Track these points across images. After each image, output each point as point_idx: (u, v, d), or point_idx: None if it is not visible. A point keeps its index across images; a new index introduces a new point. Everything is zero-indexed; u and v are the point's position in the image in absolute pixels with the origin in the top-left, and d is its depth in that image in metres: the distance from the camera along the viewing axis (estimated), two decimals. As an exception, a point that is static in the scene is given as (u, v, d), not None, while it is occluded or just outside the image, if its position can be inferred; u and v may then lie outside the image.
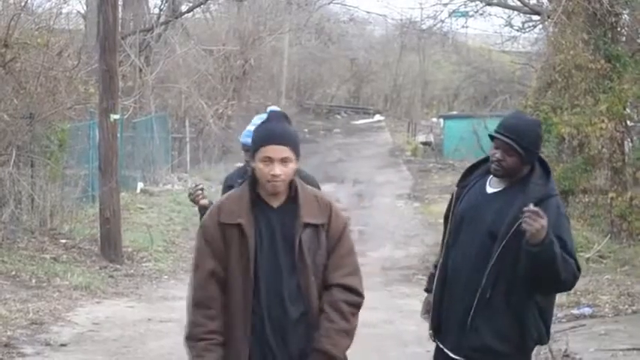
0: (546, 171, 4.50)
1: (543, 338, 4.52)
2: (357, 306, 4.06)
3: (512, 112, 4.57)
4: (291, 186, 4.06)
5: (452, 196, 4.73)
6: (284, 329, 3.99)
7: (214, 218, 4.06)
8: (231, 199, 4.11)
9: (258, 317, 3.99)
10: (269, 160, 3.96)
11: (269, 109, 5.74)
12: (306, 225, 4.01)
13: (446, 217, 4.77)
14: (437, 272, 4.68)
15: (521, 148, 4.38)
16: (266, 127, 4.06)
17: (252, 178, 4.08)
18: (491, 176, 4.57)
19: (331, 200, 4.18)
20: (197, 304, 4.03)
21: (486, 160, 4.63)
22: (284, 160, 3.97)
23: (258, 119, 5.78)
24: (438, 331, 4.66)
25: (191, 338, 4.03)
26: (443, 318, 4.58)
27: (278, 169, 3.95)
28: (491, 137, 4.51)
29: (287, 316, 3.99)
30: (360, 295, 4.07)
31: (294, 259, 3.99)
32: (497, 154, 4.44)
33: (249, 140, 5.67)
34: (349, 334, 4.03)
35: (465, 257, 4.49)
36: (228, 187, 5.78)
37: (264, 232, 4.02)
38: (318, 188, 5.49)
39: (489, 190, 4.55)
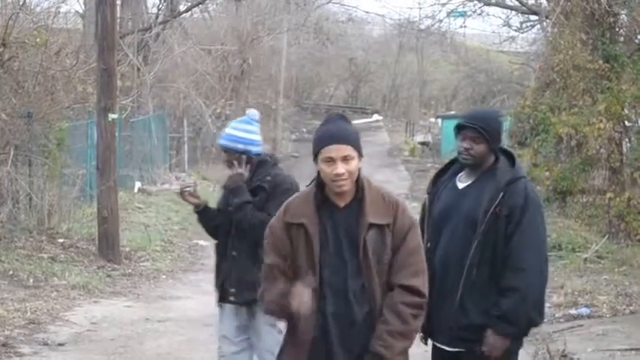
0: (510, 157, 4.73)
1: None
2: (419, 307, 4.02)
3: (481, 106, 4.89)
4: (358, 185, 4.06)
5: (423, 205, 4.88)
6: (348, 329, 3.99)
7: (281, 218, 4.10)
8: (298, 199, 4.15)
9: (323, 316, 3.99)
10: (331, 160, 3.97)
11: (248, 112, 5.81)
12: (371, 225, 4.00)
13: (420, 223, 4.81)
14: None
15: (487, 134, 4.59)
16: (324, 128, 4.08)
17: (318, 181, 4.08)
18: (460, 175, 4.75)
19: (398, 199, 4.16)
20: (267, 284, 4.10)
21: (451, 163, 4.86)
22: (346, 159, 3.98)
23: (235, 122, 5.81)
24: (428, 331, 4.72)
25: (265, 296, 4.12)
26: (434, 318, 4.62)
27: (341, 168, 3.96)
28: (457, 129, 4.71)
29: (352, 316, 3.99)
30: (422, 295, 4.03)
31: (359, 259, 3.99)
32: (465, 144, 4.65)
33: (224, 142, 5.73)
34: (406, 335, 3.99)
35: (450, 254, 4.62)
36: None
37: (329, 232, 4.03)
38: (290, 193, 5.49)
39: (460, 185, 4.72)
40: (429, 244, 4.70)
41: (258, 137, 5.74)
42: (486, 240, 4.51)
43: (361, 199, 4.04)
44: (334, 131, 4.03)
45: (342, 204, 4.06)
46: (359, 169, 4.05)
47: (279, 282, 4.04)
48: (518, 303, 4.46)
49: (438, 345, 4.71)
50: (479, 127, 4.59)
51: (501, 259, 4.51)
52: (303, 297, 3.92)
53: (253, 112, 5.84)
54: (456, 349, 4.61)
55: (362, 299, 3.99)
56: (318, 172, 4.07)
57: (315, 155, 4.04)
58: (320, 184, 4.07)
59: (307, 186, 4.19)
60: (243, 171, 5.66)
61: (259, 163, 5.71)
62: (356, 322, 3.98)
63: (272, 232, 4.12)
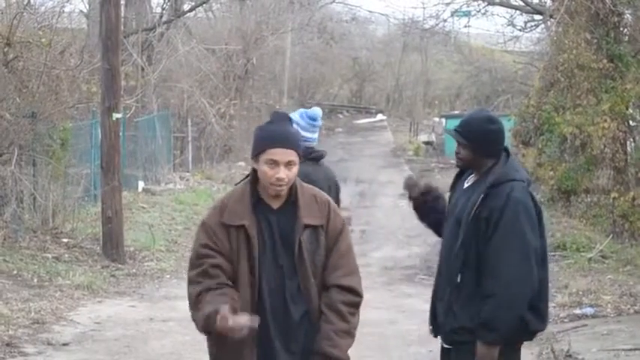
0: (510, 160, 4.68)
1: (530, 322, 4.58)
2: (356, 305, 4.07)
3: (476, 109, 4.86)
4: (291, 187, 4.05)
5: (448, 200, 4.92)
6: (287, 330, 4.01)
7: (217, 218, 4.05)
8: (233, 199, 4.10)
9: (263, 317, 3.99)
10: (274, 163, 3.95)
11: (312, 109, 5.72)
12: (306, 226, 4.02)
13: None
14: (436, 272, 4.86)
15: (467, 140, 4.59)
16: (271, 128, 4.03)
17: (253, 178, 4.07)
18: (470, 174, 4.75)
19: (329, 199, 4.18)
20: (206, 289, 3.98)
21: None
22: (289, 164, 3.96)
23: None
24: (434, 329, 4.76)
25: (193, 307, 4.02)
26: (435, 311, 4.70)
27: (283, 173, 3.95)
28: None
29: (290, 316, 4.01)
30: (359, 294, 4.08)
31: (295, 260, 4.00)
32: (456, 148, 4.71)
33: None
34: (350, 333, 4.04)
35: (444, 249, 4.68)
36: None
37: (265, 233, 4.03)
38: (336, 185, 5.53)
39: (465, 185, 4.75)
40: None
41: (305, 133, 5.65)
42: (469, 243, 4.47)
43: (295, 201, 4.04)
44: (281, 134, 3.99)
45: (275, 205, 4.05)
46: None
47: (215, 296, 3.94)
48: (494, 309, 4.37)
49: (440, 341, 4.75)
50: (458, 135, 4.62)
51: (484, 264, 4.46)
52: (235, 324, 3.82)
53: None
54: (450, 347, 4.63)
55: (299, 299, 4.02)
56: (253, 170, 4.05)
57: (257, 154, 3.99)
58: (253, 183, 4.05)
59: (236, 184, 4.18)
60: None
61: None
62: (294, 322, 4.01)
63: (208, 230, 4.04)
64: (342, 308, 4.00)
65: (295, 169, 3.99)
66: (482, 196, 4.46)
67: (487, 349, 4.42)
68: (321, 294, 4.04)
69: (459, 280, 4.49)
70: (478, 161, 4.62)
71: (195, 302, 4.03)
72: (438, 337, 4.75)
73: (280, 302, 4.01)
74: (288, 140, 3.98)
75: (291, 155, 3.96)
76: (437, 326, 4.70)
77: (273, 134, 3.99)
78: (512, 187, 4.48)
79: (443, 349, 4.69)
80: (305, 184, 4.17)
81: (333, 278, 4.03)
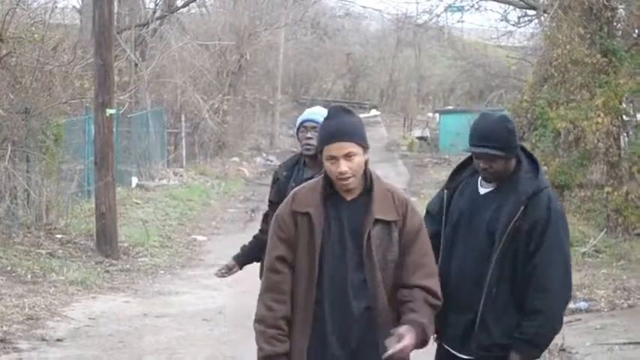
0: (533, 163, 4.48)
1: None
2: (436, 307, 4.04)
3: (479, 117, 4.54)
4: (366, 179, 4.03)
5: (441, 199, 4.66)
6: (344, 323, 3.97)
7: (288, 206, 4.07)
8: (306, 189, 4.12)
9: (321, 308, 3.97)
10: (333, 158, 3.94)
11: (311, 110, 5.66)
12: (377, 221, 3.97)
13: (429, 212, 4.71)
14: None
15: (501, 151, 4.34)
16: (326, 124, 4.04)
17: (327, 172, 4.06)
18: (471, 173, 4.57)
19: (407, 198, 4.13)
20: (267, 287, 4.05)
21: (472, 158, 4.58)
22: (348, 155, 3.93)
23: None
24: (439, 335, 4.60)
25: (262, 322, 4.02)
26: (449, 321, 4.51)
27: (344, 166, 3.93)
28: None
29: (349, 311, 3.96)
30: (440, 299, 4.04)
31: (362, 253, 3.96)
32: (482, 164, 4.40)
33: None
34: (431, 319, 4.01)
35: (467, 259, 4.45)
36: (274, 182, 5.69)
37: (333, 224, 4.00)
38: None
39: (482, 190, 4.50)
40: (446, 243, 4.56)
41: None
42: (506, 257, 4.31)
43: (369, 194, 4.01)
44: (335, 128, 3.98)
45: (349, 197, 4.03)
46: (366, 162, 4.01)
47: (281, 296, 4.01)
48: (542, 325, 4.31)
49: (449, 349, 4.59)
50: (490, 149, 4.33)
51: (523, 277, 4.32)
52: None
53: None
54: (467, 357, 4.53)
55: (361, 294, 3.96)
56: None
57: (320, 152, 4.02)
58: (328, 176, 4.04)
59: (285, 177, 4.18)
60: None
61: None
62: (353, 317, 3.95)
63: (279, 219, 4.09)
64: (429, 300, 3.99)
65: (358, 159, 3.95)
66: (522, 209, 4.29)
67: None
68: (387, 292, 3.98)
69: (494, 294, 4.34)
70: (509, 167, 4.41)
71: (259, 296, 4.11)
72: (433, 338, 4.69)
73: (341, 295, 3.96)
74: (341, 133, 3.95)
75: (349, 147, 3.93)
76: (445, 336, 4.57)
77: (327, 130, 4.00)
78: (548, 196, 4.34)
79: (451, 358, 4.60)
80: (384, 181, 4.13)
81: (415, 278, 3.98)
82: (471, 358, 4.50)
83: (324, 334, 3.97)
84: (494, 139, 4.33)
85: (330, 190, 4.03)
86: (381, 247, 3.97)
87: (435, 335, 4.59)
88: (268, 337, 3.98)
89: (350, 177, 3.94)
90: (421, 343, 3.96)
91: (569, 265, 4.41)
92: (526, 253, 4.31)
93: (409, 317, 3.93)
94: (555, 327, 4.41)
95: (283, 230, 4.04)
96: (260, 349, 4.02)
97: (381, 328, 3.95)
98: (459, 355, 4.53)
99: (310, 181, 4.21)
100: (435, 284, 4.03)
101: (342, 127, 3.98)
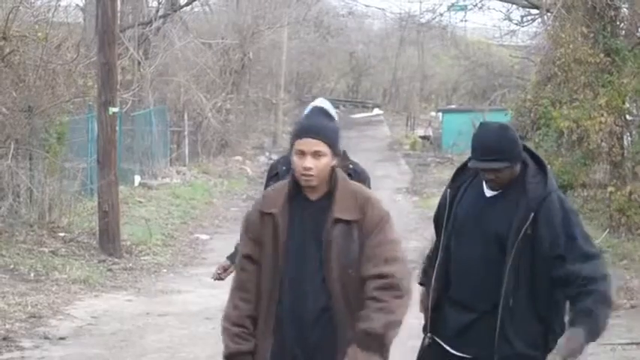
0: (540, 164, 4.44)
1: (565, 329, 4.41)
2: (392, 287, 3.95)
3: (478, 129, 4.47)
4: (331, 180, 4.06)
5: (443, 198, 4.64)
6: (303, 323, 4.00)
7: (257, 206, 4.15)
8: (274, 189, 4.20)
9: (282, 308, 4.02)
10: (302, 153, 3.99)
11: (315, 102, 5.63)
12: (338, 220, 4.00)
13: (436, 219, 4.70)
14: (434, 275, 4.59)
15: (506, 162, 4.31)
16: (303, 121, 4.15)
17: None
18: (473, 174, 4.52)
19: (371, 194, 4.16)
20: (236, 286, 4.13)
21: None
22: (316, 154, 3.98)
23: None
24: (434, 331, 4.59)
25: (228, 320, 4.08)
26: (447, 319, 4.52)
27: (309, 162, 3.97)
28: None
29: (307, 310, 4.00)
30: (389, 276, 3.94)
31: (322, 253, 4.00)
32: (487, 175, 4.38)
33: None
34: (385, 311, 3.94)
35: (471, 259, 4.41)
36: (273, 175, 5.68)
37: (296, 224, 4.04)
38: (368, 184, 5.48)
39: (488, 193, 4.46)
40: (447, 244, 4.53)
41: None
42: (520, 265, 4.26)
43: (332, 195, 4.04)
44: (311, 125, 4.07)
45: (313, 197, 4.07)
46: (332, 167, 4.04)
47: (247, 295, 4.07)
48: (597, 300, 4.16)
49: (443, 345, 4.56)
50: (495, 163, 4.29)
51: (549, 283, 4.25)
52: None
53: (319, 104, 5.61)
54: (462, 354, 4.50)
55: (320, 294, 3.99)
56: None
57: (291, 147, 4.07)
58: (294, 175, 4.09)
59: (284, 171, 4.22)
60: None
61: None
62: (311, 317, 3.99)
63: (248, 219, 4.16)
64: (376, 294, 3.94)
65: (325, 161, 3.99)
66: (532, 215, 4.24)
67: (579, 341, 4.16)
68: (348, 292, 3.99)
69: (511, 303, 4.28)
70: (515, 173, 4.37)
71: (229, 295, 4.16)
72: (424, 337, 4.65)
73: (300, 295, 4.00)
74: (315, 131, 4.02)
75: (318, 145, 3.99)
76: (440, 333, 4.55)
77: (302, 126, 4.09)
78: (559, 198, 4.31)
79: (446, 355, 4.56)
80: (351, 181, 4.20)
81: (364, 270, 3.98)
82: (465, 356, 4.49)
83: (284, 334, 4.02)
84: (497, 151, 4.30)
85: (296, 190, 4.08)
86: (341, 246, 3.99)
87: (429, 334, 4.59)
88: (232, 334, 4.04)
89: (313, 175, 3.98)
90: (380, 351, 4.00)
91: (600, 253, 4.37)
92: (551, 259, 4.24)
93: (359, 327, 3.93)
94: (611, 306, 4.28)
95: (250, 230, 4.12)
96: (225, 346, 4.08)
97: (340, 328, 3.99)
98: (453, 351, 4.52)
99: (280, 182, 4.28)
100: (392, 268, 3.97)
101: (317, 125, 4.07)
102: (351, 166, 5.58)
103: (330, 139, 4.04)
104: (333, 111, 5.24)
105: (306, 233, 4.03)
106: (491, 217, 4.38)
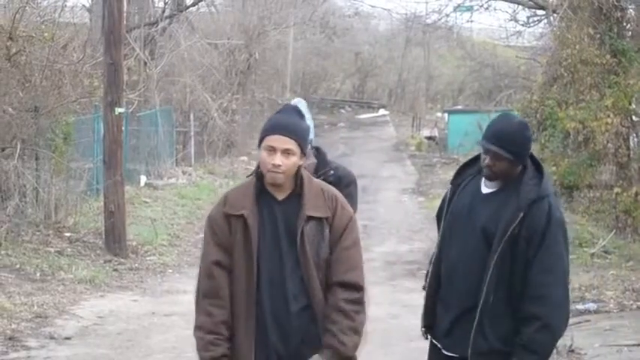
0: (539, 170, 4.46)
1: None
2: (358, 302, 4.04)
3: (500, 115, 4.53)
4: (297, 179, 4.06)
5: (445, 195, 4.70)
6: (285, 322, 4.00)
7: (220, 209, 4.09)
8: (237, 190, 4.16)
9: (262, 310, 4.00)
10: (272, 149, 3.98)
11: (292, 101, 5.60)
12: (310, 218, 4.01)
13: (438, 216, 4.75)
14: (430, 270, 4.65)
15: (509, 154, 4.34)
16: (275, 117, 4.11)
17: (259, 169, 4.09)
18: (476, 171, 4.56)
19: (337, 193, 4.17)
20: (205, 293, 4.07)
21: (479, 157, 4.56)
22: (286, 152, 3.98)
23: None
24: (430, 328, 4.64)
25: (201, 329, 4.05)
26: (438, 316, 4.55)
27: (279, 160, 3.96)
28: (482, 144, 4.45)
29: (288, 309, 4.00)
30: (360, 289, 4.04)
31: (297, 252, 3.99)
32: (487, 160, 4.40)
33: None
34: (356, 330, 4.02)
35: (459, 257, 4.45)
36: None
37: (267, 224, 4.03)
38: (354, 187, 5.46)
39: (484, 190, 4.50)
40: (442, 238, 4.59)
41: None
42: (504, 262, 4.29)
43: (300, 193, 4.04)
44: (283, 122, 4.05)
45: (280, 197, 4.06)
46: (298, 167, 4.04)
47: (220, 302, 4.03)
48: (537, 331, 4.25)
49: (437, 344, 4.61)
50: (500, 149, 4.33)
51: (521, 283, 4.30)
52: None
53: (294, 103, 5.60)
54: (451, 354, 4.52)
55: (300, 293, 4.00)
56: (259, 163, 4.08)
57: (260, 142, 4.05)
58: (260, 175, 4.07)
59: (247, 177, 4.21)
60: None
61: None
62: (292, 316, 3.99)
63: (212, 223, 4.10)
64: (345, 307, 3.98)
65: (294, 159, 3.99)
66: (521, 215, 4.27)
67: None
68: (324, 289, 4.02)
69: (491, 301, 4.31)
70: (513, 172, 4.40)
71: (196, 302, 4.12)
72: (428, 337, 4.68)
73: (280, 294, 4.00)
74: (287, 129, 4.01)
75: (289, 144, 3.98)
76: (434, 332, 4.58)
77: (274, 122, 4.06)
78: (550, 205, 4.32)
79: (440, 355, 4.58)
80: (315, 179, 4.20)
81: (334, 274, 4.02)
82: (454, 355, 4.50)
83: (267, 335, 4.01)
84: (507, 140, 4.34)
85: (261, 189, 4.06)
86: (314, 244, 4.01)
87: (423, 329, 4.63)
88: (206, 342, 4.02)
89: (281, 172, 3.98)
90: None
91: (566, 277, 4.38)
92: (525, 260, 4.29)
93: (330, 343, 3.98)
94: (555, 336, 4.36)
95: (217, 234, 4.07)
96: (200, 357, 4.05)
97: (321, 321, 4.01)
98: (444, 352, 4.54)
99: (241, 183, 4.25)
100: (354, 276, 4.03)
101: (290, 123, 4.05)
102: (332, 172, 5.47)
103: (302, 138, 4.05)
104: (308, 113, 5.18)
105: (278, 233, 4.02)
106: (482, 214, 4.42)
